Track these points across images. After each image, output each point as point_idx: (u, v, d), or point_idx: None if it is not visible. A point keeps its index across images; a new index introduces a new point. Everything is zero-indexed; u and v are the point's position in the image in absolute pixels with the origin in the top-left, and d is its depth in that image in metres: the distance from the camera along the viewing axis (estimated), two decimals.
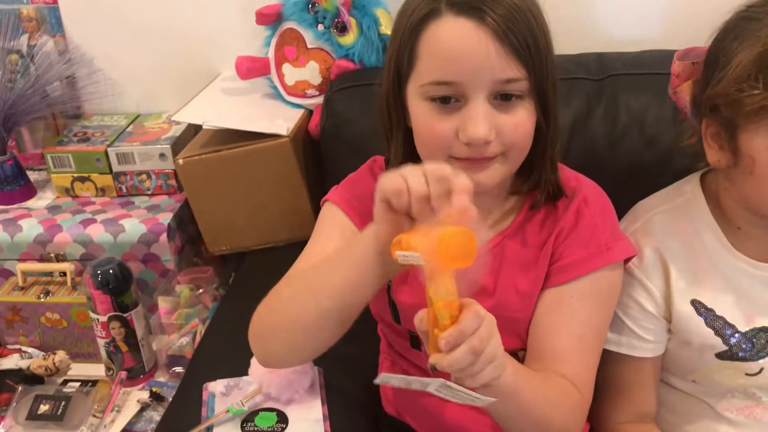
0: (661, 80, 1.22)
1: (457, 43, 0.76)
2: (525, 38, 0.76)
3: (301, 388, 1.00)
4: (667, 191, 0.99)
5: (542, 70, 0.78)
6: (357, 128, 1.28)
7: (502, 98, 0.78)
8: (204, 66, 1.59)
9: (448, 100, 0.78)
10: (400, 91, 0.84)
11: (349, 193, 0.94)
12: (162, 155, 1.48)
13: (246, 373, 1.06)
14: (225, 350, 1.18)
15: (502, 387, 0.71)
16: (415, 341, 0.95)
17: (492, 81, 0.76)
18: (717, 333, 0.90)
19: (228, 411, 0.98)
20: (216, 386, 1.04)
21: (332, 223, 0.93)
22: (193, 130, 1.54)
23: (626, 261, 0.90)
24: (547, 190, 0.87)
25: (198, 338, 1.35)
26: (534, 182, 0.87)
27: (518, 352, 0.90)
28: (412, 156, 0.86)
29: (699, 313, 0.90)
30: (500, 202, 0.90)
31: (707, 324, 0.90)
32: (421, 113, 0.81)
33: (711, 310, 0.90)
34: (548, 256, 0.87)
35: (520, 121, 0.79)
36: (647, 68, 1.24)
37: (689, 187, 0.95)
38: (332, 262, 0.79)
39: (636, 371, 0.93)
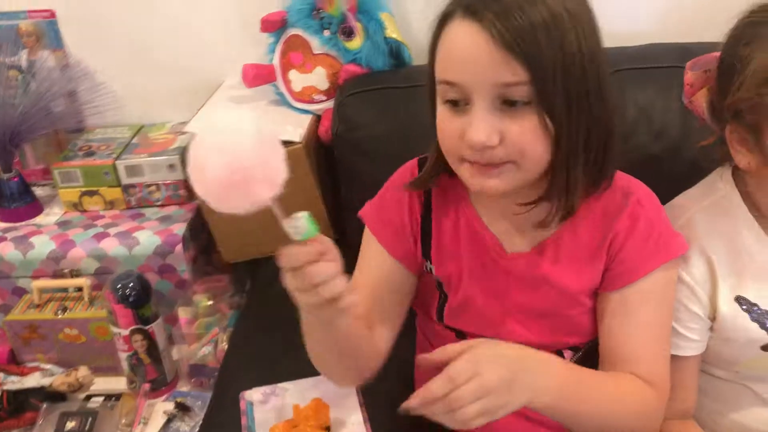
0: (664, 73, 1.27)
1: (458, 45, 0.77)
2: (526, 40, 0.73)
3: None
4: (700, 188, 0.99)
5: (550, 75, 0.74)
6: (370, 132, 1.29)
7: (509, 104, 0.76)
8: (206, 75, 1.59)
9: (457, 103, 0.79)
10: (434, 94, 0.84)
11: (377, 215, 0.96)
12: (171, 166, 1.48)
13: (277, 380, 1.08)
14: (253, 358, 1.20)
15: (539, 410, 0.77)
16: (461, 335, 0.96)
17: (491, 85, 0.75)
18: (762, 326, 0.91)
19: None
20: (253, 395, 1.06)
21: (369, 253, 0.97)
22: None
23: None
24: (556, 207, 0.83)
25: (219, 346, 1.36)
26: (545, 195, 0.83)
27: (563, 351, 0.92)
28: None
29: (744, 309, 0.92)
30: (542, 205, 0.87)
31: (752, 319, 0.91)
32: (438, 114, 0.83)
33: (755, 305, 0.91)
34: (603, 259, 0.87)
35: (527, 128, 0.76)
36: (651, 62, 1.27)
37: (722, 184, 0.96)
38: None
39: (679, 369, 0.94)
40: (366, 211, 0.98)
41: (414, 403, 0.72)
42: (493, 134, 0.76)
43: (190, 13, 1.54)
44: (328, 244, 0.71)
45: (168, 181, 1.50)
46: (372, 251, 0.95)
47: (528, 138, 0.76)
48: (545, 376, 0.77)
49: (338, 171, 1.37)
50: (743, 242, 0.92)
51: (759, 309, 0.91)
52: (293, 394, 1.05)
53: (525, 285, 0.89)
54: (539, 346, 0.89)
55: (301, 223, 0.70)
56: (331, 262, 0.70)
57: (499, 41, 0.73)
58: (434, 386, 0.71)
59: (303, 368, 1.10)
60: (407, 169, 0.97)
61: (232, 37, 1.55)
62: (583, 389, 0.81)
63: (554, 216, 0.84)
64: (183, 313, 1.39)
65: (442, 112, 0.81)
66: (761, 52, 0.81)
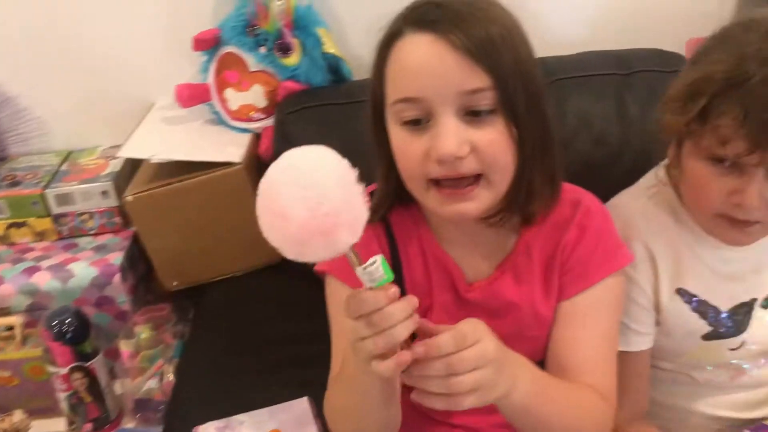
0: (602, 81, 1.29)
1: (416, 57, 0.76)
2: (485, 46, 0.73)
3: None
4: (637, 187, 1.02)
5: (512, 84, 0.75)
6: None
7: (473, 114, 0.76)
8: (135, 96, 1.54)
9: (419, 122, 0.77)
10: (381, 121, 0.83)
11: (344, 260, 0.90)
12: (104, 193, 1.42)
13: (231, 412, 1.04)
14: (203, 390, 1.16)
15: (512, 406, 0.74)
16: None
17: (456, 93, 0.74)
18: (702, 316, 0.95)
19: None
20: (207, 429, 1.01)
21: (339, 301, 0.88)
22: (131, 163, 1.49)
23: None
24: (514, 215, 0.83)
25: (165, 379, 1.31)
26: (506, 207, 0.83)
27: None
28: (399, 182, 0.84)
29: (685, 301, 0.95)
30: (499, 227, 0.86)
31: (693, 309, 0.95)
32: (396, 138, 0.80)
33: (695, 296, 0.95)
34: (557, 271, 0.87)
35: (496, 136, 0.76)
36: (588, 70, 1.30)
37: (657, 181, 0.99)
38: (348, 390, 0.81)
39: (632, 366, 0.97)
40: (326, 265, 0.89)
41: (419, 351, 0.65)
42: (463, 144, 0.75)
43: (117, 32, 1.48)
44: (395, 287, 0.65)
45: (101, 209, 1.43)
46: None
47: (498, 146, 0.76)
48: (522, 370, 0.75)
49: None
50: (681, 235, 0.95)
51: (698, 299, 0.95)
52: (249, 426, 1.01)
53: (492, 313, 0.88)
54: None
55: (376, 269, 0.64)
56: (402, 303, 0.65)
57: (460, 48, 0.73)
58: (441, 340, 0.66)
59: (257, 398, 1.07)
60: None
61: (162, 57, 1.50)
62: (551, 392, 0.80)
63: (509, 221, 0.84)
64: (125, 346, 1.32)
65: (399, 134, 0.79)
66: (683, 77, 0.85)
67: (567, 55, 1.35)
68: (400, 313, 0.64)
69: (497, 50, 0.74)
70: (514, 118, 0.76)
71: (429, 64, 0.75)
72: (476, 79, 0.74)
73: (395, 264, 0.90)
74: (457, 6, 0.76)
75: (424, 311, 0.90)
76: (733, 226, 0.87)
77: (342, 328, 0.89)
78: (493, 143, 0.76)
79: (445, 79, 0.74)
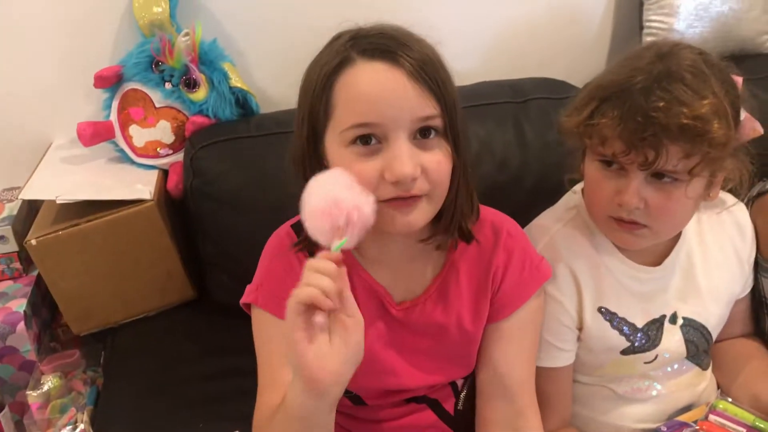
0: (498, 109, 1.38)
1: (374, 85, 0.78)
2: (436, 78, 0.79)
3: None
4: (557, 210, 1.07)
5: (453, 111, 0.81)
6: (228, 184, 1.27)
7: (422, 136, 0.80)
8: (30, 136, 1.47)
9: (369, 140, 0.79)
10: (317, 146, 0.84)
11: (270, 291, 0.91)
12: (2, 238, 1.35)
13: None
14: None
15: None
16: (357, 400, 0.95)
17: (411, 119, 0.78)
18: (621, 333, 1.01)
19: None
20: None
21: (269, 335, 0.91)
22: (29, 205, 1.43)
23: None
24: (453, 234, 0.88)
25: (78, 428, 1.25)
26: (443, 227, 0.87)
27: (456, 381, 0.95)
28: None
29: (606, 319, 1.01)
30: (430, 246, 0.91)
31: (612, 327, 1.01)
32: (343, 160, 0.81)
33: (615, 314, 1.01)
34: (488, 293, 0.90)
35: (441, 157, 0.81)
36: (486, 99, 1.37)
37: (574, 203, 1.05)
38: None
39: (556, 381, 1.02)
40: (252, 297, 0.91)
41: None
42: (417, 166, 0.79)
43: (9, 68, 1.42)
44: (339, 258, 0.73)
45: None
46: (278, 337, 0.86)
47: (443, 167, 0.81)
48: None
49: (194, 225, 1.32)
50: (600, 256, 1.01)
51: (618, 317, 1.01)
52: None
53: (421, 333, 0.91)
54: (435, 383, 0.91)
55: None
56: (320, 274, 0.72)
57: (417, 77, 0.77)
58: None
59: None
60: (283, 236, 0.94)
61: (59, 95, 1.45)
62: None
63: (445, 242, 0.88)
64: (33, 399, 1.25)
65: (349, 157, 0.80)
66: (587, 85, 0.93)
67: (464, 86, 1.41)
68: (319, 272, 0.71)
69: (442, 79, 0.80)
70: (456, 142, 0.82)
71: (390, 91, 0.78)
72: (429, 106, 0.78)
73: None
74: (399, 36, 0.80)
75: None
76: (621, 228, 0.94)
77: (269, 358, 0.90)
78: (440, 164, 0.81)
79: (402, 106, 0.78)
